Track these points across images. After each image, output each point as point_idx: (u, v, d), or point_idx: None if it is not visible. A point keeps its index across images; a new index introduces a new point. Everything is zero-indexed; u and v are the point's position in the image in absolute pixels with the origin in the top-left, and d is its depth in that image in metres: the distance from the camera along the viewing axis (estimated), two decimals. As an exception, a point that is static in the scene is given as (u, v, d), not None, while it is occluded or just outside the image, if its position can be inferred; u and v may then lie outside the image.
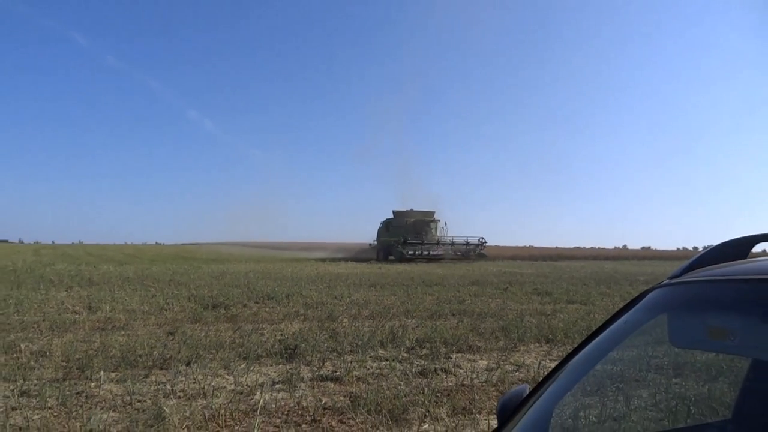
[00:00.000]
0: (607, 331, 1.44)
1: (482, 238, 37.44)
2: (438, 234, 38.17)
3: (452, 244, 37.66)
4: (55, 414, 4.35)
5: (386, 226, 39.33)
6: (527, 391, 1.58)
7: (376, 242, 40.66)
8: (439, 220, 39.15)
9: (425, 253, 35.80)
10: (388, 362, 6.29)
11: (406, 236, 36.05)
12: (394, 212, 39.93)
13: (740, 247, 1.44)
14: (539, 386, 1.50)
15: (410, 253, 34.99)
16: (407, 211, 39.59)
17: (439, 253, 36.52)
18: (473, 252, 37.46)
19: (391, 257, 35.82)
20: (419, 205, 44.90)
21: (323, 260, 35.66)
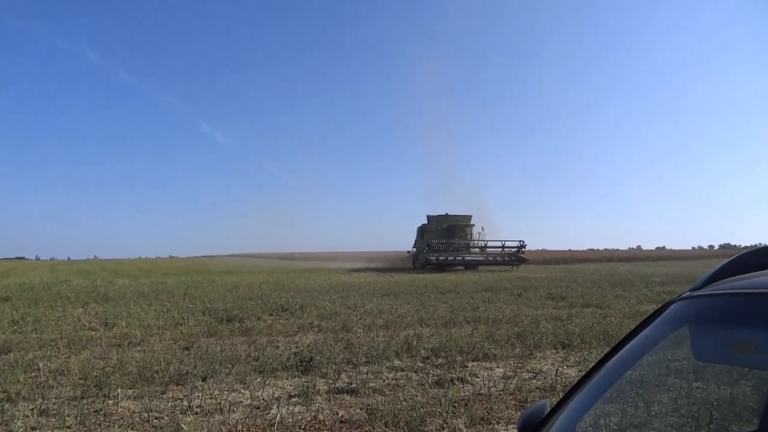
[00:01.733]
0: (629, 345, 1.42)
1: (522, 241, 34.13)
2: (474, 240, 35.63)
3: (485, 248, 34.86)
4: (74, 433, 4.38)
5: (421, 233, 37.45)
6: (548, 407, 1.56)
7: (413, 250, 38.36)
8: (474, 225, 36.64)
9: (456, 258, 33.01)
10: (403, 373, 6.26)
11: (430, 241, 34.04)
12: (428, 217, 37.54)
13: (763, 257, 1.41)
14: (562, 402, 1.48)
15: (434, 259, 32.53)
16: (442, 215, 37.07)
17: (474, 258, 33.89)
18: (513, 257, 34.19)
19: (428, 265, 33.24)
20: (462, 209, 43.45)
21: (355, 270, 33.91)
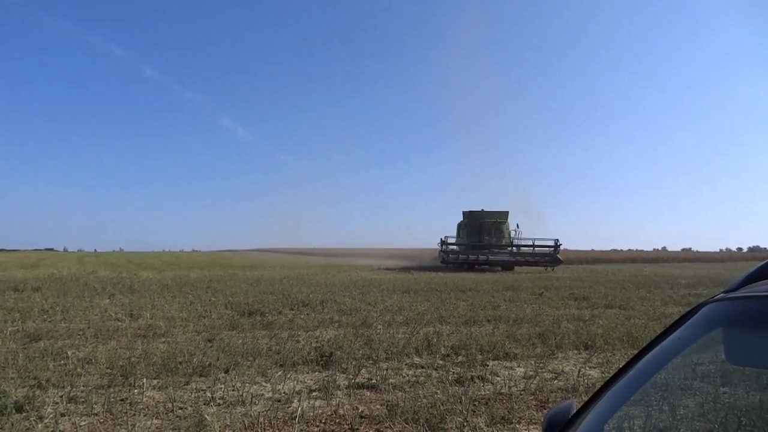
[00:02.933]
0: (659, 347, 1.39)
1: (556, 240, 31.07)
2: (509, 238, 33.47)
3: (512, 246, 32.73)
4: (101, 420, 4.48)
5: (457, 230, 35.60)
6: (574, 408, 1.55)
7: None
8: (505, 222, 34.27)
9: (480, 257, 31.02)
10: (423, 370, 6.25)
11: (447, 238, 32.30)
12: (464, 213, 35.38)
13: (800, 259, 1.37)
14: (588, 403, 1.46)
15: (453, 258, 31.39)
16: (478, 211, 34.57)
17: (500, 259, 31.55)
18: (548, 257, 31.25)
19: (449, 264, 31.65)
20: (500, 206, 41.49)
21: (384, 269, 31.53)
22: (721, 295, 1.34)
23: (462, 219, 35.78)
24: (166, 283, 18.23)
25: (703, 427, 3.36)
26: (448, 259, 31.64)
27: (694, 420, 3.46)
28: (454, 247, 33.38)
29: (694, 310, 1.38)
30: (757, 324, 1.27)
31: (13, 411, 4.54)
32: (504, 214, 34.76)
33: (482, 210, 34.82)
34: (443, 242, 32.25)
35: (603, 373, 6.13)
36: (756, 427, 2.74)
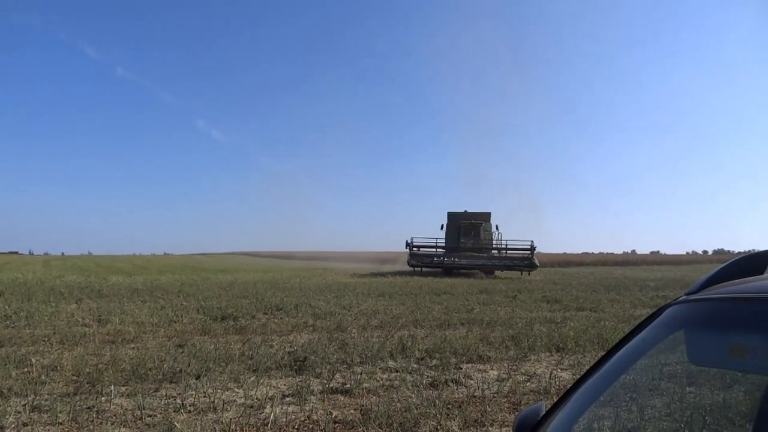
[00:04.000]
0: (624, 348, 1.42)
1: (531, 242, 29.13)
2: (490, 240, 31.33)
3: (493, 249, 30.47)
4: (66, 430, 4.35)
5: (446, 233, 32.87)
6: (544, 409, 1.57)
7: None
8: (482, 224, 31.81)
9: (445, 261, 29.27)
10: (398, 374, 6.25)
11: (414, 240, 30.04)
12: (448, 214, 33.17)
13: (758, 262, 1.42)
14: (557, 405, 1.48)
15: (421, 261, 29.55)
16: (459, 213, 32.74)
17: (469, 262, 29.41)
18: (525, 261, 28.80)
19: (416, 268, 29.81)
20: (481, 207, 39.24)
21: (376, 274, 28.23)
22: (684, 297, 1.38)
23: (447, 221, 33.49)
24: (137, 287, 17.82)
25: (670, 426, 3.44)
26: (412, 263, 29.71)
27: (661, 420, 3.54)
28: (425, 249, 30.84)
29: (658, 312, 1.42)
30: (717, 325, 1.31)
31: (-27, 421, 4.38)
32: (485, 215, 32.64)
33: (465, 211, 33.01)
34: (409, 245, 30.21)
35: (574, 374, 6.23)
36: (720, 425, 2.82)
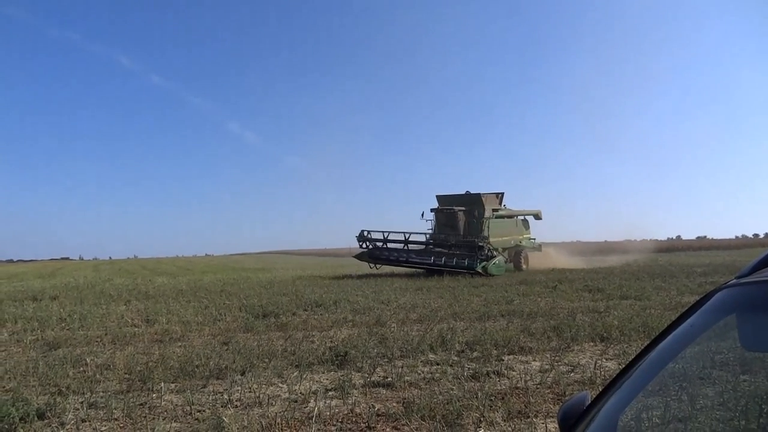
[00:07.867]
0: (672, 335, 1.38)
1: (484, 233, 23.20)
2: (477, 230, 23.57)
3: (458, 244, 22.97)
4: (121, 425, 4.54)
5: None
6: (589, 399, 1.54)
7: None
8: (465, 210, 24.37)
9: (400, 258, 23.56)
10: (439, 366, 6.25)
11: (368, 233, 24.44)
12: (437, 198, 26.23)
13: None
14: (603, 393, 1.45)
15: (371, 255, 24.38)
16: (452, 195, 25.73)
17: (422, 260, 23.05)
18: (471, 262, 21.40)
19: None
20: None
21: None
22: (734, 280, 1.33)
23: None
24: (181, 288, 18.38)
25: (725, 416, 3.32)
26: (362, 258, 24.71)
27: (714, 410, 3.42)
28: (378, 244, 24.62)
29: (707, 297, 1.37)
30: None
31: (35, 418, 4.61)
32: (474, 199, 24.62)
33: (467, 192, 25.37)
34: (361, 237, 24.55)
35: (620, 364, 6.08)
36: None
